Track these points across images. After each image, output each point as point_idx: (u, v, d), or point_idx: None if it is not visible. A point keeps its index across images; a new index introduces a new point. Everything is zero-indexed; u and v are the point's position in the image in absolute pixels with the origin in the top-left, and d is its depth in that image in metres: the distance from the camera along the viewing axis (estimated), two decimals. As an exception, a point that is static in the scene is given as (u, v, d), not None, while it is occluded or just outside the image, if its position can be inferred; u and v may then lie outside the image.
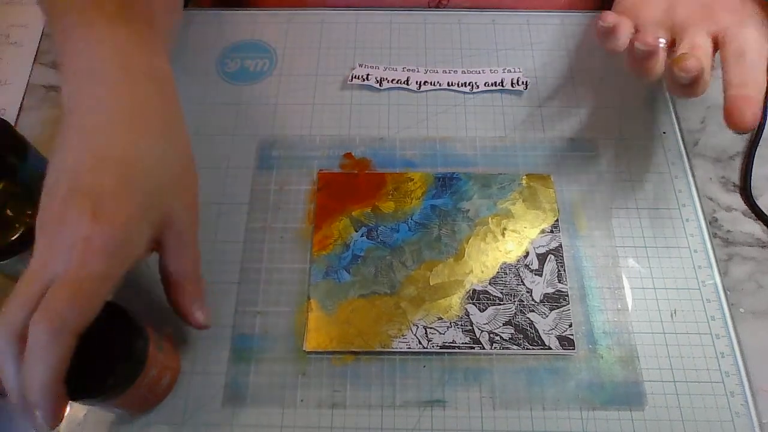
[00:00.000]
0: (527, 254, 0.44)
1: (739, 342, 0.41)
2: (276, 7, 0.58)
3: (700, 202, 0.46)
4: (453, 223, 0.45)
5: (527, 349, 0.41)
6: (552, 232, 0.45)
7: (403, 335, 0.41)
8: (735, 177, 0.49)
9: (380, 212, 0.46)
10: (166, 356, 0.37)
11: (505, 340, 0.41)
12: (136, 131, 0.35)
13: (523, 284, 0.43)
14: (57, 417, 0.30)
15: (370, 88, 0.52)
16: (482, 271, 0.43)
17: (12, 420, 0.40)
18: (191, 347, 0.41)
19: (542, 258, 0.44)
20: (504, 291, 0.43)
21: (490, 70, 0.53)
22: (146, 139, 0.35)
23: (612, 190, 0.47)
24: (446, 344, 0.41)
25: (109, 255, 0.31)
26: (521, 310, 0.42)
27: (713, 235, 0.46)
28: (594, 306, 0.43)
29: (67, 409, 0.31)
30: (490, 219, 0.46)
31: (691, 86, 0.40)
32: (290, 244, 0.45)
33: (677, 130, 0.50)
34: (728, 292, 0.43)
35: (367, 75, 0.52)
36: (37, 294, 0.30)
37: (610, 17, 0.42)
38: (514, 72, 0.53)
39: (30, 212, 0.39)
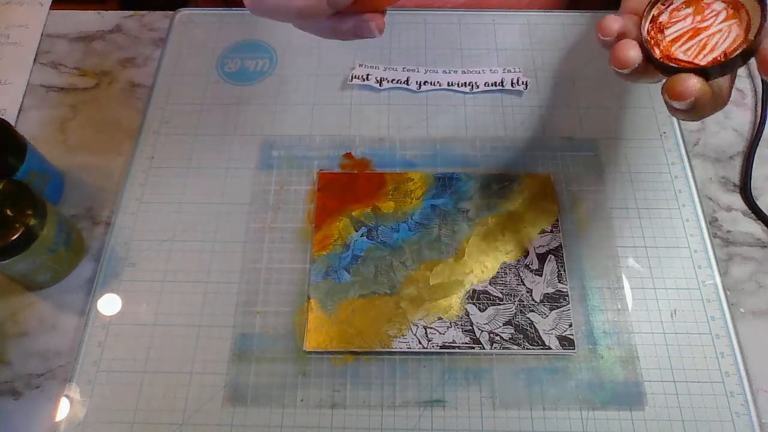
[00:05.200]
0: (527, 254, 0.44)
1: (739, 342, 0.41)
2: (276, 7, 0.58)
3: (700, 202, 0.46)
4: (453, 223, 0.45)
5: (527, 349, 0.41)
6: (552, 232, 0.45)
7: (403, 335, 0.41)
8: (735, 177, 0.49)
9: (380, 212, 0.46)
10: None
11: (505, 340, 0.41)
12: None
13: (523, 284, 0.43)
14: None
15: (370, 88, 0.52)
16: (482, 271, 0.43)
17: (11, 420, 0.40)
18: (191, 347, 0.41)
19: (542, 258, 0.44)
20: (504, 291, 0.43)
21: (490, 70, 0.53)
22: None
23: (612, 190, 0.47)
24: (446, 344, 0.41)
25: None
26: (521, 310, 0.42)
27: (713, 235, 0.46)
28: (594, 306, 0.43)
29: None
30: (490, 219, 0.46)
31: (689, 111, 0.32)
32: (290, 244, 0.45)
33: (677, 130, 0.50)
34: (728, 292, 0.43)
35: (367, 75, 0.52)
36: None
37: (612, 26, 0.33)
38: (514, 72, 0.53)
39: (30, 212, 0.39)
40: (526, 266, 0.44)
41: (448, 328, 0.41)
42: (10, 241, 0.38)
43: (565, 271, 0.43)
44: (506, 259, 0.44)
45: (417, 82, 0.52)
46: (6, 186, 0.40)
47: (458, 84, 0.52)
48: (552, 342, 0.41)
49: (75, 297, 0.44)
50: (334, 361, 0.41)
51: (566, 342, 0.41)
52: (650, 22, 0.33)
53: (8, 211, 0.39)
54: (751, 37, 0.30)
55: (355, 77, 0.52)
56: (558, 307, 0.42)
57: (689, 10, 0.33)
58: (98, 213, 0.47)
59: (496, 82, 0.52)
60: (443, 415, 0.39)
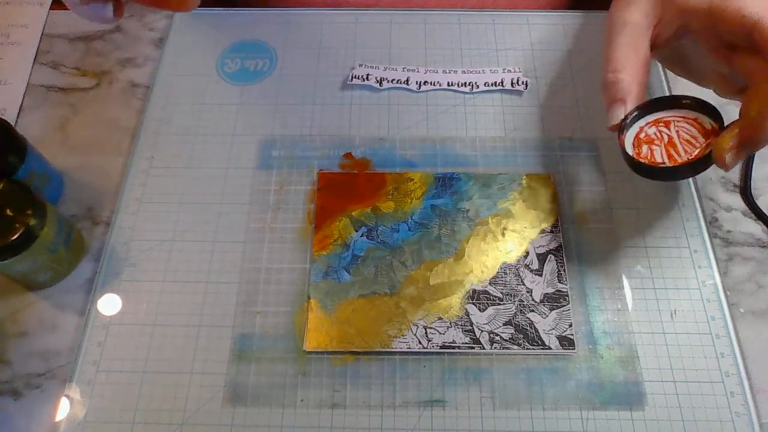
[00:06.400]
0: (527, 254, 0.44)
1: (739, 342, 0.41)
2: (276, 7, 0.58)
3: (700, 202, 0.46)
4: (453, 223, 0.45)
5: (527, 349, 0.41)
6: (552, 232, 0.45)
7: (403, 335, 0.41)
8: (735, 177, 0.49)
9: (380, 212, 0.46)
10: None
11: (505, 340, 0.41)
12: None
13: (523, 284, 0.43)
14: None
15: (370, 88, 0.52)
16: (482, 271, 0.43)
17: (9, 419, 0.40)
18: (191, 347, 0.41)
19: (542, 258, 0.44)
20: (504, 291, 0.43)
21: (490, 70, 0.53)
22: None
23: (612, 190, 0.47)
24: (446, 344, 0.41)
25: None
26: (521, 310, 0.42)
27: (713, 235, 0.46)
28: (594, 306, 0.43)
29: None
30: (490, 219, 0.46)
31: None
32: (290, 244, 0.45)
33: (677, 130, 0.50)
34: (728, 292, 0.43)
35: (367, 75, 0.52)
36: None
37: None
38: (514, 72, 0.53)
39: (30, 212, 0.39)
40: (526, 266, 0.44)
41: (448, 328, 0.41)
42: (10, 241, 0.38)
43: (565, 271, 0.43)
44: (506, 259, 0.44)
45: (417, 82, 0.52)
46: (6, 186, 0.40)
47: (458, 84, 0.52)
48: (552, 342, 0.41)
49: (75, 297, 0.44)
50: (334, 361, 0.41)
51: (566, 342, 0.41)
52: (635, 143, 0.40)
53: (8, 211, 0.39)
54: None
55: (355, 77, 0.52)
56: (558, 307, 0.42)
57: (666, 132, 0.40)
58: (98, 213, 0.47)
59: (496, 82, 0.52)
60: (443, 415, 0.39)
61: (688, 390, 0.40)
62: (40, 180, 0.45)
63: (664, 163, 0.38)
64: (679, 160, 0.38)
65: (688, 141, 0.38)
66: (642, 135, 0.39)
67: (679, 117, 0.39)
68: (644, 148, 0.39)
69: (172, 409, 0.40)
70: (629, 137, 0.40)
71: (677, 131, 0.39)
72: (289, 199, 0.47)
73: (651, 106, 0.40)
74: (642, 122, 0.40)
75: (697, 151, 0.38)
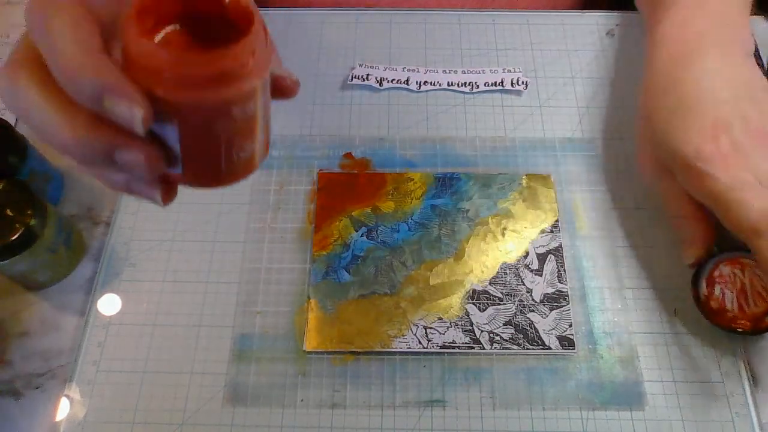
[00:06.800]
0: (527, 254, 0.44)
1: (738, 342, 0.41)
2: (276, 7, 0.58)
3: (700, 202, 0.46)
4: (453, 223, 0.45)
5: (527, 349, 0.41)
6: (552, 232, 0.45)
7: (403, 335, 0.41)
8: (735, 177, 0.49)
9: (380, 212, 0.46)
10: None
11: (505, 340, 0.41)
12: None
13: (523, 284, 0.43)
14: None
15: (370, 88, 0.52)
16: (482, 271, 0.43)
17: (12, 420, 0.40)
18: (191, 347, 0.41)
19: (542, 258, 0.44)
20: (504, 291, 0.43)
21: (490, 70, 0.53)
22: None
23: (612, 190, 0.47)
24: (446, 344, 0.41)
25: None
26: (521, 310, 0.42)
27: (713, 235, 0.46)
28: (594, 306, 0.43)
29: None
30: (490, 219, 0.46)
31: None
32: (290, 244, 0.45)
33: (677, 130, 0.50)
34: (728, 292, 0.43)
35: (367, 75, 0.52)
36: None
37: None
38: (514, 72, 0.53)
39: (30, 212, 0.39)
40: (526, 266, 0.44)
41: (448, 328, 0.41)
42: (10, 241, 0.38)
43: (565, 271, 0.43)
44: (506, 259, 0.44)
45: (417, 82, 0.52)
46: (6, 186, 0.40)
47: (458, 84, 0.52)
48: (552, 342, 0.41)
49: (75, 297, 0.44)
50: (333, 361, 0.41)
51: (566, 342, 0.41)
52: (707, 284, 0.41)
53: (8, 211, 0.39)
54: None
55: (355, 77, 0.52)
56: (558, 307, 0.42)
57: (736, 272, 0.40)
58: (98, 213, 0.47)
59: (496, 82, 0.52)
60: (443, 415, 0.39)
61: (688, 390, 0.40)
62: (40, 180, 0.45)
63: (732, 311, 0.39)
64: (747, 311, 0.39)
65: (759, 293, 0.39)
66: (716, 273, 0.40)
67: (754, 261, 0.40)
68: (717, 288, 0.40)
69: (172, 409, 0.40)
70: (703, 272, 0.41)
71: (750, 280, 0.40)
72: (289, 199, 0.47)
73: (730, 246, 0.41)
74: (718, 258, 0.41)
75: (764, 308, 0.39)
